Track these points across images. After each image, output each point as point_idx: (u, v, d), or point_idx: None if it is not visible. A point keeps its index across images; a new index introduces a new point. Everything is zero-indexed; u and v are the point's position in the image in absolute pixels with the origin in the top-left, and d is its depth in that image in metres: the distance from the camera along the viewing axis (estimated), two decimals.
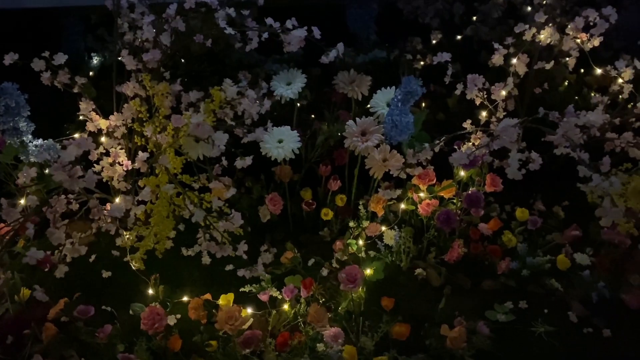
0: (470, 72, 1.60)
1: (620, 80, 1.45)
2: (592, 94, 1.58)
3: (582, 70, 2.04)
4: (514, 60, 1.50)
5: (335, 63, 1.93)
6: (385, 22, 2.05)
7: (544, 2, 1.47)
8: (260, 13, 1.52)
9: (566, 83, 2.04)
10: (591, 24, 1.39)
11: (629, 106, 1.50)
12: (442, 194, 1.60)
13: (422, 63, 1.91)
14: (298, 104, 1.74)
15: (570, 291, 1.49)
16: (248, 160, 1.23)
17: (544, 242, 1.64)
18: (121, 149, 1.28)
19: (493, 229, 1.58)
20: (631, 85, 1.45)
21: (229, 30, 1.28)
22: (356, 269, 1.33)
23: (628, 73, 1.44)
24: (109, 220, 1.15)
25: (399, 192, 1.51)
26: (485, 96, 1.47)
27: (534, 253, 1.57)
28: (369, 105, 1.60)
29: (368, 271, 1.51)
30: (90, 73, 1.92)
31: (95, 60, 1.92)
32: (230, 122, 1.40)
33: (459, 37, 1.92)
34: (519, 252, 1.56)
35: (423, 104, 1.94)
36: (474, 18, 1.89)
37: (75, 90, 1.40)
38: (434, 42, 1.94)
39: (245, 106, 1.27)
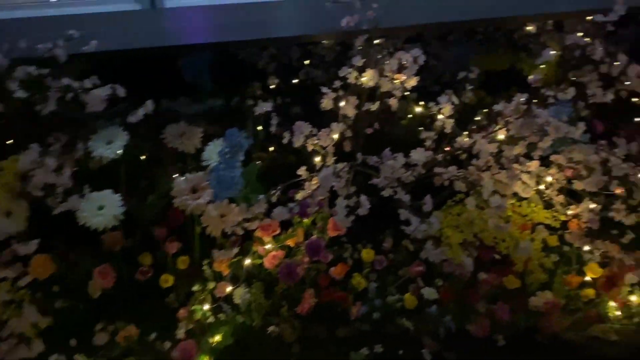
0: (311, 115, 1.59)
1: (441, 116, 1.50)
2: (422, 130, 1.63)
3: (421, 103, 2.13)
4: (342, 103, 1.50)
5: (175, 114, 1.85)
6: (222, 69, 1.99)
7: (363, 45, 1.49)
8: (93, 65, 1.41)
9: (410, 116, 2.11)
10: (405, 65, 1.42)
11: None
12: (288, 243, 1.55)
13: (264, 109, 1.87)
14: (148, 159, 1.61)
15: (421, 328, 1.49)
16: (32, 245, 1.08)
17: (396, 279, 1.64)
18: None
19: (341, 274, 1.55)
20: (452, 120, 1.50)
21: (20, 94, 1.14)
22: (191, 344, 1.22)
23: (447, 108, 1.49)
24: None
25: (235, 250, 1.43)
26: (316, 141, 1.44)
27: (385, 292, 1.56)
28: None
29: (216, 337, 1.41)
30: None
31: None
32: (38, 192, 1.24)
33: (295, 81, 1.91)
34: (369, 294, 1.54)
35: (271, 148, 1.90)
36: (306, 62, 1.90)
37: None
38: (271, 87, 1.91)
39: (41, 178, 1.13)
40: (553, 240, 1.54)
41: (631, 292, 1.50)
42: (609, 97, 1.42)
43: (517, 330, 1.50)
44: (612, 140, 1.36)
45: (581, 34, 2.29)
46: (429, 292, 1.52)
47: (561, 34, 2.25)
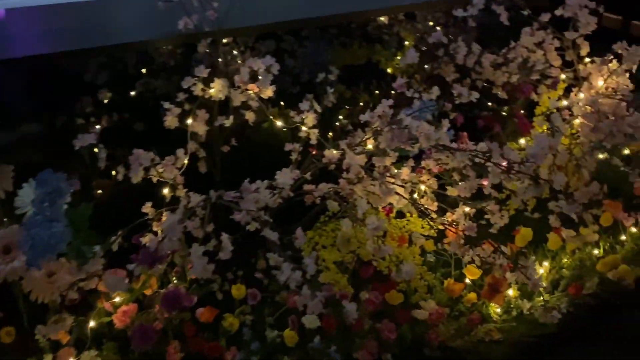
0: (159, 135, 1.36)
1: (304, 128, 1.34)
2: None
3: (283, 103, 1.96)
4: (190, 120, 1.29)
5: None
6: (41, 85, 1.65)
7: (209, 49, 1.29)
8: None
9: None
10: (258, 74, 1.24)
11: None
12: (145, 292, 1.31)
13: (97, 127, 1.59)
14: None
15: None
16: None
17: (274, 309, 1.47)
18: None
19: (210, 318, 1.34)
20: (316, 131, 1.36)
21: None
22: None
23: (310, 118, 1.34)
24: None
25: (70, 320, 1.16)
26: (161, 170, 1.21)
27: (262, 329, 1.39)
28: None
29: None
30: None
31: None
32: None
33: (132, 93, 1.64)
34: (245, 336, 1.36)
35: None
36: (144, 70, 1.64)
37: None
38: (105, 101, 1.62)
39: None
40: (430, 245, 1.48)
41: (508, 286, 1.49)
42: (475, 95, 1.36)
43: (405, 346, 1.41)
44: (485, 142, 1.30)
45: (432, 23, 2.27)
46: (311, 321, 1.38)
47: (414, 24, 2.22)
